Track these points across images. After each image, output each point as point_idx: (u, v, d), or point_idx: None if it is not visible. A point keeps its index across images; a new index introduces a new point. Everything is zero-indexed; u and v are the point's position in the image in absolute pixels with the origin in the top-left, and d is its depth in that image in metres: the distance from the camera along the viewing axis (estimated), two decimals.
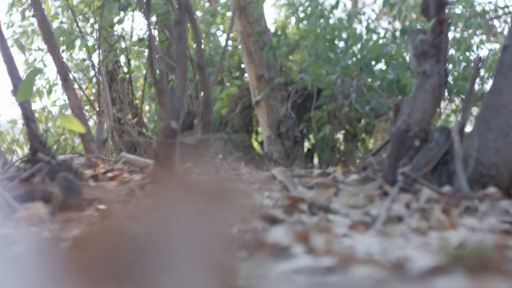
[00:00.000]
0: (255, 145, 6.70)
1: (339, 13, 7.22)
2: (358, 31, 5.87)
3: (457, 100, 5.92)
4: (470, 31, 5.79)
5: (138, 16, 5.51)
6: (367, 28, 5.90)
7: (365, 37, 5.74)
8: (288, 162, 5.89)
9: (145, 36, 4.07)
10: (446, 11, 1.44)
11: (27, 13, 4.95)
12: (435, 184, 1.32)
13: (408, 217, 1.13)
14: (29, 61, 6.21)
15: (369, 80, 5.54)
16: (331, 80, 5.51)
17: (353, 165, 1.59)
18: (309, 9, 5.96)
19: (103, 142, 3.12)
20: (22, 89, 1.40)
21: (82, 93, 4.53)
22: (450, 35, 5.65)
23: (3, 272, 0.51)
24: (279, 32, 6.00)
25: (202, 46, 1.30)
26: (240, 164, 1.74)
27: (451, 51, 5.56)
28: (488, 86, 6.07)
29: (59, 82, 3.51)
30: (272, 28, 6.39)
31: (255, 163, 5.98)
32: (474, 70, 1.47)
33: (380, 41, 5.71)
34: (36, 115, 5.87)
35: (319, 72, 5.45)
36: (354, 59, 5.54)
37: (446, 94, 5.72)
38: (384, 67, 5.74)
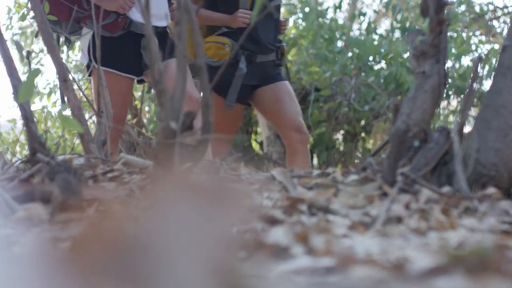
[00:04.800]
0: (255, 145, 6.70)
1: (338, 12, 7.21)
2: (357, 31, 5.86)
3: (456, 101, 5.92)
4: (470, 33, 5.79)
5: None
6: (368, 28, 5.90)
7: (364, 35, 5.74)
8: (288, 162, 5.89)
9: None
10: (446, 11, 1.44)
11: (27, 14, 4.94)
12: (434, 185, 1.32)
13: (407, 218, 1.13)
14: (25, 60, 6.20)
15: (367, 78, 5.54)
16: (327, 79, 5.52)
17: (352, 165, 1.59)
18: (307, 8, 5.96)
19: (103, 143, 3.11)
20: (23, 90, 1.40)
21: (81, 94, 4.52)
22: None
23: (3, 272, 0.51)
24: None
25: (201, 47, 1.30)
26: (240, 165, 1.74)
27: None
28: (486, 85, 6.08)
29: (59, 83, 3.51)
30: None
31: (255, 163, 5.98)
32: (473, 71, 1.47)
33: (378, 42, 5.71)
34: (36, 115, 5.87)
35: (316, 71, 5.45)
36: (353, 59, 5.54)
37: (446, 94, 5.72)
38: (384, 67, 5.74)
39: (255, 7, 1.32)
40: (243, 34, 3.06)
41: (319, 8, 6.13)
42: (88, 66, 3.18)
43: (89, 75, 3.22)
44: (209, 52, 3.21)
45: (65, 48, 5.38)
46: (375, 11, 7.92)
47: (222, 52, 3.19)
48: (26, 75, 1.41)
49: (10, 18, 5.80)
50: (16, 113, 6.13)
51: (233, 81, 3.18)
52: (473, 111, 5.54)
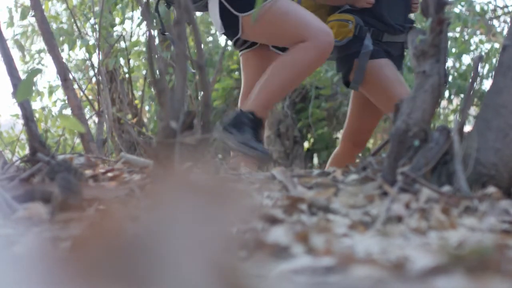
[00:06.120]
0: None
1: None
2: None
3: (456, 100, 5.91)
4: (469, 30, 5.79)
5: (138, 14, 5.52)
6: None
7: None
8: (288, 162, 5.89)
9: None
10: (446, 11, 1.44)
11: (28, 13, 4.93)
12: (434, 184, 1.32)
13: (407, 217, 1.13)
14: (26, 59, 6.19)
15: None
16: (328, 78, 5.51)
17: (352, 165, 1.59)
18: None
19: (103, 142, 3.12)
20: (21, 89, 1.40)
21: (82, 93, 4.52)
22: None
23: (3, 272, 0.51)
24: None
25: (202, 46, 1.30)
26: (240, 164, 1.74)
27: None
28: (486, 85, 6.08)
29: (59, 82, 3.49)
30: None
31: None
32: (474, 70, 1.47)
33: None
34: (36, 115, 5.87)
35: (317, 70, 5.45)
36: None
37: (447, 94, 5.72)
38: None
39: None
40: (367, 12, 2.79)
41: None
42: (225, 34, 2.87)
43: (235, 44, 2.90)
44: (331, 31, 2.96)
45: (66, 47, 5.37)
46: None
47: (345, 29, 2.92)
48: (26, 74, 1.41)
49: (11, 18, 5.81)
50: (17, 111, 6.14)
51: (359, 58, 2.91)
52: (473, 111, 5.54)
